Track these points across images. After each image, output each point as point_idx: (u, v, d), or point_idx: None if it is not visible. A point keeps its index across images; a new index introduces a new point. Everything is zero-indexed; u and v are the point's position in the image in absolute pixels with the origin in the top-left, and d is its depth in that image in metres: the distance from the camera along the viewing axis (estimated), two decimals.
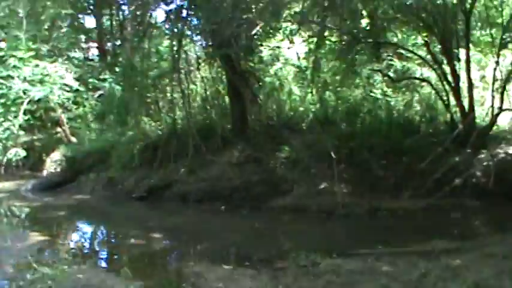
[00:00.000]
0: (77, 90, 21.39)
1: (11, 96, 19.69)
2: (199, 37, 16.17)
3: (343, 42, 14.05)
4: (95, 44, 27.78)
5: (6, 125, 19.53)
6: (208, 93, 16.26)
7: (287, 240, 9.34)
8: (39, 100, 20.17)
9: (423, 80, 13.51)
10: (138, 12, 19.06)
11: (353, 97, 14.82)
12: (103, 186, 15.63)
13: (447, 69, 12.26)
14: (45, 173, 20.24)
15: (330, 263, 7.18)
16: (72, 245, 10.17)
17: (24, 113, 19.90)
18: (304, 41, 16.20)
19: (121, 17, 25.20)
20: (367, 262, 7.17)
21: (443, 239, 8.10)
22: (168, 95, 17.12)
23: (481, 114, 12.99)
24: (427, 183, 10.78)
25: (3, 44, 21.64)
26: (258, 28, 13.65)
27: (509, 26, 12.01)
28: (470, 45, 12.37)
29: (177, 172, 14.07)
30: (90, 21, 30.59)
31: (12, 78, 19.79)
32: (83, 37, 28.41)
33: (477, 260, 6.74)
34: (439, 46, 12.63)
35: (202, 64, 16.21)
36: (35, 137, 22.12)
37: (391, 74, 14.14)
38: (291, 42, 16.14)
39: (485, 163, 11.18)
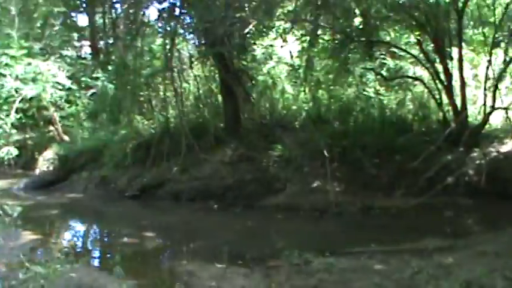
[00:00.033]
0: (70, 88, 21.33)
1: (3, 94, 19.67)
2: (192, 35, 16.19)
3: (336, 41, 14.09)
4: (88, 42, 27.72)
5: None
6: (201, 91, 16.23)
7: (280, 239, 9.30)
8: (31, 98, 20.12)
9: (416, 78, 13.54)
10: (130, 11, 19.09)
11: (346, 96, 14.83)
12: (96, 185, 15.58)
13: (440, 67, 12.29)
14: (37, 171, 20.11)
15: (322, 262, 7.18)
16: (64, 243, 10.12)
17: (17, 112, 19.86)
18: (297, 39, 16.20)
19: (114, 15, 25.20)
20: (359, 260, 7.19)
21: (435, 237, 8.12)
22: (161, 93, 17.11)
23: (474, 113, 13.05)
24: (420, 181, 10.81)
25: None
26: (251, 27, 13.63)
27: (502, 25, 12.07)
28: (463, 44, 12.41)
29: (169, 171, 14.05)
30: (82, 19, 30.66)
31: (4, 76, 19.71)
32: (75, 35, 28.35)
33: (469, 258, 6.76)
34: (432, 45, 12.66)
35: (195, 63, 16.19)
36: (27, 136, 22.04)
37: (383, 72, 14.16)
38: (284, 40, 16.12)
39: (477, 161, 11.23)
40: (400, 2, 12.12)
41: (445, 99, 12.35)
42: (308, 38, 15.87)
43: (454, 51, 12.52)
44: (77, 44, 28.51)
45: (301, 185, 12.14)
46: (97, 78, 21.09)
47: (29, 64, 20.14)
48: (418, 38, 12.92)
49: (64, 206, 14.30)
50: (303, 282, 6.50)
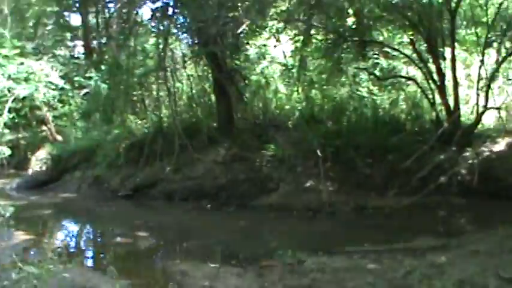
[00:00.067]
0: (63, 88, 21.31)
1: None
2: (185, 35, 16.23)
3: (329, 41, 14.09)
4: (81, 42, 27.70)
5: None
6: (194, 91, 16.25)
7: (273, 239, 9.34)
8: (24, 98, 20.09)
9: (409, 78, 13.55)
10: (124, 10, 19.09)
11: (339, 95, 14.82)
12: (89, 185, 15.56)
13: (433, 67, 12.31)
14: (30, 171, 20.09)
15: (315, 261, 7.19)
16: (57, 243, 10.09)
17: (9, 111, 19.81)
18: (290, 39, 16.19)
19: (107, 14, 25.17)
20: (352, 260, 7.20)
21: (428, 237, 8.15)
22: (154, 93, 17.09)
23: (466, 113, 13.08)
24: (413, 181, 10.81)
25: None
26: (244, 26, 13.64)
27: (494, 25, 12.09)
28: (456, 43, 12.42)
29: (163, 170, 14.04)
30: (75, 19, 30.47)
31: None
32: (68, 35, 28.33)
33: (462, 257, 6.77)
34: (425, 45, 12.68)
35: (188, 62, 16.21)
36: (20, 135, 22.03)
37: (377, 72, 14.16)
38: (277, 40, 16.11)
39: (470, 161, 11.24)
40: (393, 2, 12.13)
41: (438, 99, 12.37)
42: (301, 37, 15.88)
43: (447, 51, 12.53)
44: (70, 43, 28.51)
45: (295, 185, 12.14)
46: (90, 78, 21.03)
47: (22, 64, 20.11)
48: (411, 37, 12.93)
49: (57, 205, 14.27)
50: (296, 281, 6.49)
